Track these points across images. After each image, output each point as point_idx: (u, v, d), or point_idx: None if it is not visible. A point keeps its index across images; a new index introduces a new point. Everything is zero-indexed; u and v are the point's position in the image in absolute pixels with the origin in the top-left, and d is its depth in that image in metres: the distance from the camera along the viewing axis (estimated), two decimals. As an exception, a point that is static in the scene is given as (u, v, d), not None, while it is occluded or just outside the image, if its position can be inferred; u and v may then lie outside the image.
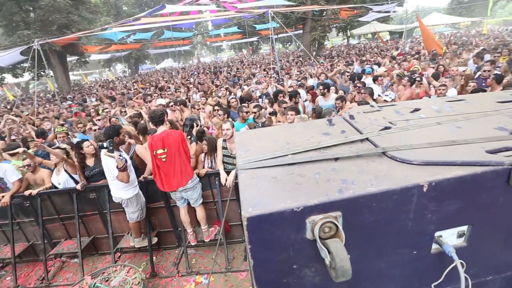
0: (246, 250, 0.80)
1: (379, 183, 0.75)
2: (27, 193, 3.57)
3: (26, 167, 3.71)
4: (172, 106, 5.41)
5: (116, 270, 2.87)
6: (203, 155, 3.63)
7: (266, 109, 4.86)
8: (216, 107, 5.05)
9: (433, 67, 6.66)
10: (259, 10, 12.28)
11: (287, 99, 4.90)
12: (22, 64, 16.85)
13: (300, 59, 15.82)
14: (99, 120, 5.13)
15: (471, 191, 0.77)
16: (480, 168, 0.75)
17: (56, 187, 3.63)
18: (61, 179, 3.56)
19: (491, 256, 0.89)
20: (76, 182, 3.55)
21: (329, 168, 0.90)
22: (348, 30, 23.49)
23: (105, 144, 2.79)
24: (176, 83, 10.85)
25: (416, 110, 1.33)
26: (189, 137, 3.61)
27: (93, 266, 3.91)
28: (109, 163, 2.92)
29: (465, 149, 0.85)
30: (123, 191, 3.09)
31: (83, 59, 20.42)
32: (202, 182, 3.35)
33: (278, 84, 6.50)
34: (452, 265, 0.74)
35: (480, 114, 1.18)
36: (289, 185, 0.82)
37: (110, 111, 6.30)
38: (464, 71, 5.87)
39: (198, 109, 5.34)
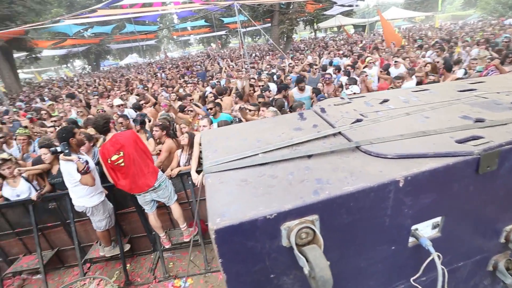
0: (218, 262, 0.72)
1: (355, 181, 0.72)
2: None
3: None
4: (143, 105, 5.09)
5: (84, 284, 2.65)
6: (179, 150, 3.46)
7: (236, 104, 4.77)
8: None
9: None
10: (225, 2, 11.96)
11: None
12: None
13: (270, 52, 15.81)
14: (55, 121, 4.66)
15: (444, 182, 0.76)
16: (451, 159, 0.74)
17: (7, 200, 3.25)
18: (21, 189, 3.19)
19: (462, 243, 0.91)
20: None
21: (303, 167, 0.84)
22: (315, 24, 23.92)
23: (58, 149, 2.51)
24: (142, 80, 10.27)
25: (385, 101, 1.33)
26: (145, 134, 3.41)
27: (59, 280, 3.61)
28: (69, 168, 2.64)
29: (436, 140, 0.85)
30: (87, 198, 2.84)
31: (33, 55, 18.50)
32: (174, 182, 3.20)
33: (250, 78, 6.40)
34: (429, 259, 0.74)
35: (445, 103, 1.20)
36: (260, 189, 0.75)
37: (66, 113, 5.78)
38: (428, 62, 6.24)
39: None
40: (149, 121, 3.65)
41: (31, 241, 3.51)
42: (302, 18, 21.49)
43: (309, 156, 0.90)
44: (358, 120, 1.14)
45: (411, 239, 0.82)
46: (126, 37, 21.27)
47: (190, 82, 5.68)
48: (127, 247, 3.44)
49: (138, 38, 19.11)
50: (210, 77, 8.43)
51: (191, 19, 24.84)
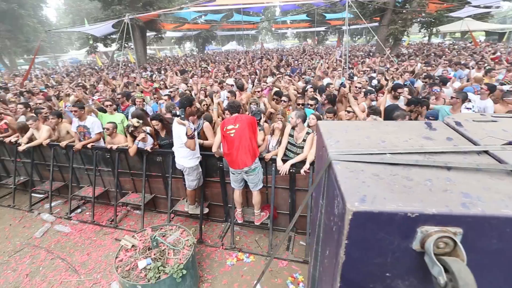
0: (339, 245, 0.76)
1: (518, 207, 0.63)
2: (108, 146, 4.14)
3: (106, 130, 4.25)
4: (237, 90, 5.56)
5: (172, 229, 3.16)
6: (269, 136, 3.67)
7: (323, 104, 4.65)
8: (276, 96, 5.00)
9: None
10: (336, -2, 11.54)
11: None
12: (111, 36, 19.18)
13: (371, 54, 14.59)
14: (170, 92, 5.57)
15: None
16: None
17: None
18: (147, 144, 3.98)
19: None
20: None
21: (442, 177, 0.79)
22: (433, 26, 20.59)
23: (178, 112, 3.03)
24: (241, 66, 11.09)
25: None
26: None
27: (150, 220, 4.39)
28: (180, 131, 3.14)
29: None
30: (187, 159, 3.33)
31: (159, 35, 22.24)
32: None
33: (347, 79, 6.11)
34: None
35: None
36: (396, 187, 0.75)
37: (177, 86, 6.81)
38: None
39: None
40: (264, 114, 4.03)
41: (139, 183, 4.38)
42: (418, 19, 18.84)
43: (449, 168, 0.83)
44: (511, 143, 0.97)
45: None
46: (232, 26, 23.24)
47: (288, 74, 5.82)
48: (205, 210, 3.90)
49: (243, 27, 20.57)
50: (302, 73, 8.43)
51: (294, 13, 25.09)
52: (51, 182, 4.74)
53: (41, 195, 5.17)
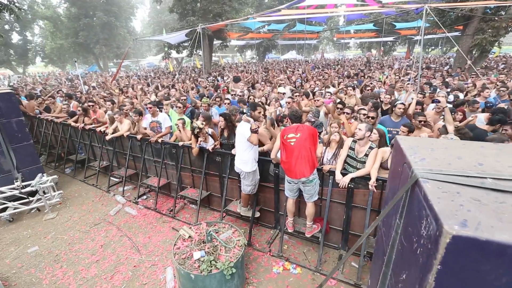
0: (428, 270, 0.70)
1: None
2: (172, 139, 4.58)
3: (177, 125, 4.70)
4: (296, 95, 5.58)
5: (224, 227, 3.31)
6: (324, 148, 3.59)
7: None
8: (339, 105, 4.85)
9: None
10: (410, 6, 10.66)
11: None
12: (183, 44, 21.29)
13: (448, 67, 13.02)
14: (234, 95, 5.91)
15: None
16: None
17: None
18: (208, 144, 4.30)
19: None
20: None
21: None
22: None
23: (245, 110, 3.22)
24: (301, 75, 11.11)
25: None
26: None
27: (204, 215, 4.67)
28: (245, 128, 3.32)
29: None
30: (246, 164, 3.45)
31: (224, 44, 23.79)
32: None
33: (419, 93, 5.57)
34: None
35: None
36: (505, 216, 0.65)
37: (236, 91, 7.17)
38: None
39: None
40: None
41: (197, 180, 4.71)
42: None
43: None
44: None
45: None
46: (294, 35, 23.47)
47: (352, 86, 5.59)
48: (257, 214, 3.97)
49: (306, 36, 20.62)
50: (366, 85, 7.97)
51: (359, 22, 24.07)
52: (126, 169, 5.45)
53: (117, 179, 5.98)
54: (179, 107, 5.22)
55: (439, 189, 0.79)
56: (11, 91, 5.11)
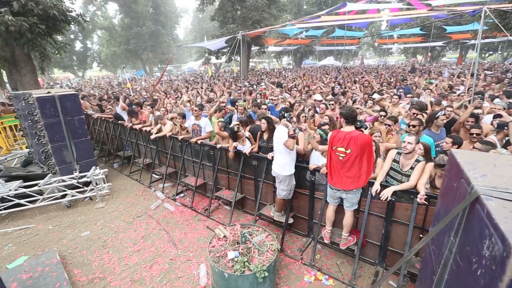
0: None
1: None
2: (213, 142, 4.78)
3: (217, 124, 4.91)
4: (332, 104, 5.49)
5: (258, 230, 3.36)
6: None
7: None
8: (382, 113, 4.65)
9: None
10: (465, 8, 9.82)
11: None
12: (222, 50, 22.13)
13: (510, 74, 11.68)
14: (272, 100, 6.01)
15: None
16: None
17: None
18: (246, 146, 4.42)
19: None
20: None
21: None
22: None
23: (286, 115, 3.27)
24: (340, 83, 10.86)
25: None
26: None
27: (237, 217, 4.77)
28: (283, 133, 3.31)
29: None
30: (283, 168, 3.47)
31: (262, 50, 24.21)
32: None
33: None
34: None
35: None
36: None
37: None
38: None
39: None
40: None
41: (233, 182, 4.84)
42: None
43: None
44: None
45: None
46: (333, 41, 23.02)
47: (398, 94, 5.31)
48: (290, 220, 3.95)
49: (346, 42, 20.11)
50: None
51: (404, 27, 22.80)
52: (166, 167, 5.81)
53: (158, 176, 6.40)
54: (195, 110, 5.37)
55: (505, 208, 0.75)
56: (76, 92, 5.80)
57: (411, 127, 3.73)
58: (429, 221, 2.88)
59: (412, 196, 2.89)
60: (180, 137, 5.35)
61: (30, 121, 5.26)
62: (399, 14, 16.92)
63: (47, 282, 3.20)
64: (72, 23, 8.40)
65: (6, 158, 6.78)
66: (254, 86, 11.97)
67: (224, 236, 3.19)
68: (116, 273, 3.55)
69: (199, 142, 4.98)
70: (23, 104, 5.32)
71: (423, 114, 4.58)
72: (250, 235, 3.23)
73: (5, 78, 12.62)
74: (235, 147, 4.36)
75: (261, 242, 3.10)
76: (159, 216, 4.88)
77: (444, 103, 5.65)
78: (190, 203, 5.15)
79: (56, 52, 8.86)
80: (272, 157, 3.72)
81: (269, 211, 4.11)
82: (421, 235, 3.02)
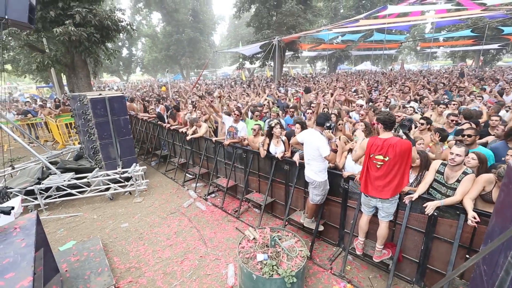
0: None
1: None
2: (245, 143, 4.88)
3: (253, 130, 4.99)
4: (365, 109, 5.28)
5: (288, 235, 3.33)
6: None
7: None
8: (422, 121, 4.34)
9: None
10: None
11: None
12: (257, 55, 22.49)
13: None
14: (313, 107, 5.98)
15: None
16: None
17: (269, 152, 4.58)
18: (279, 149, 4.41)
19: None
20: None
21: None
22: None
23: (331, 125, 3.13)
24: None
25: None
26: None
27: (266, 221, 4.77)
28: (323, 142, 3.15)
29: None
30: (317, 174, 3.40)
31: (296, 55, 24.12)
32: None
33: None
34: None
35: None
36: None
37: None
38: None
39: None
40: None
41: (263, 185, 4.87)
42: None
43: None
44: None
45: None
46: (370, 45, 22.12)
47: (443, 102, 4.93)
48: (321, 228, 3.86)
49: (384, 46, 19.21)
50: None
51: (452, 28, 21.12)
52: (199, 168, 6.04)
53: (191, 176, 6.67)
54: (236, 114, 5.47)
55: None
56: (123, 94, 6.32)
57: (466, 136, 3.43)
58: (477, 240, 2.62)
59: (458, 212, 2.65)
60: (214, 139, 5.54)
61: (83, 120, 5.84)
62: (447, 16, 15.77)
63: (91, 266, 3.51)
64: (122, 32, 9.21)
65: (62, 152, 7.59)
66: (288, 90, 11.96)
67: (254, 238, 3.22)
68: (150, 264, 3.76)
69: (232, 144, 5.11)
70: (79, 104, 5.94)
71: (471, 123, 4.19)
72: (280, 239, 3.22)
73: (64, 81, 14.24)
74: (268, 144, 4.38)
75: (291, 247, 3.06)
76: (191, 214, 5.07)
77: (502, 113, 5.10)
78: (221, 204, 5.28)
79: (107, 58, 9.77)
80: (300, 162, 3.66)
81: (299, 216, 4.06)
82: (467, 255, 2.75)
